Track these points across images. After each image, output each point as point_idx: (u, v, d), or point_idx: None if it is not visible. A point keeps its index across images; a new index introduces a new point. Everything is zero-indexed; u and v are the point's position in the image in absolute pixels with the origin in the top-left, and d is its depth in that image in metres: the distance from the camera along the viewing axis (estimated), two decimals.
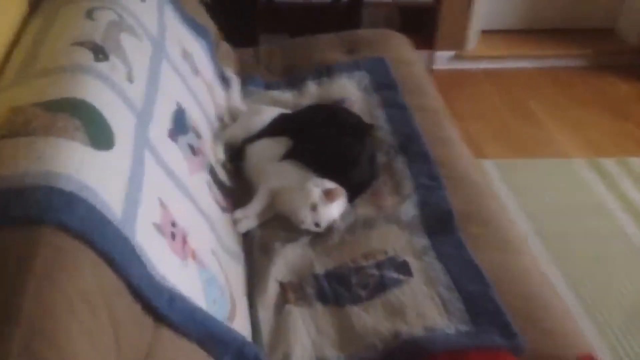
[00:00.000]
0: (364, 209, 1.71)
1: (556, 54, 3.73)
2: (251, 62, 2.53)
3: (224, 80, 2.23)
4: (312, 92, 2.22)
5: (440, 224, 1.62)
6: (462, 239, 1.56)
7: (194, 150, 1.56)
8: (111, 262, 0.96)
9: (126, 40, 1.45)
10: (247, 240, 1.66)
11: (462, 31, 3.63)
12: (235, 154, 1.86)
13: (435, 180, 1.77)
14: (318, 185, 1.65)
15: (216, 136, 1.85)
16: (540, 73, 3.71)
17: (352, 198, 1.73)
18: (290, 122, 1.89)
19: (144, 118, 1.33)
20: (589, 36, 3.80)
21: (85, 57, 1.29)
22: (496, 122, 3.28)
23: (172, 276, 1.12)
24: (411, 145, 1.92)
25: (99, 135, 1.11)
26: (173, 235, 1.20)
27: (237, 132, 1.89)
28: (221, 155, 1.80)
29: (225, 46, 2.50)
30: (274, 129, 1.88)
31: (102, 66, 1.29)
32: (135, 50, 1.47)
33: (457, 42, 3.67)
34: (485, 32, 3.75)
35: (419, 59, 2.53)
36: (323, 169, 1.73)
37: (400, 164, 1.85)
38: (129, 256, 0.98)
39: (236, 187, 1.80)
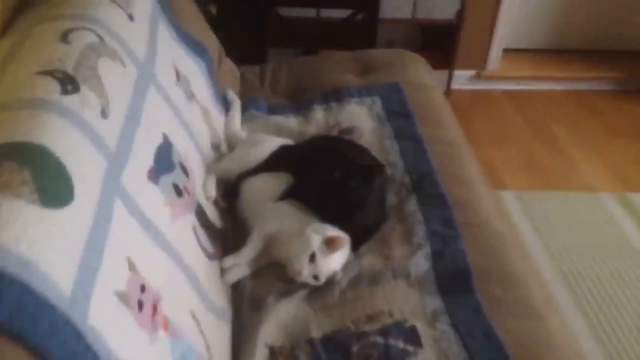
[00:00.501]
0: (369, 260, 1.53)
1: (585, 77, 3.53)
2: (255, 81, 2.36)
3: (224, 103, 2.06)
4: (318, 119, 2.05)
5: (455, 282, 1.43)
6: (480, 302, 1.37)
7: (179, 191, 1.39)
8: None
9: (105, 67, 1.28)
10: (236, 291, 1.49)
11: (484, 49, 3.45)
12: (230, 190, 1.69)
13: (451, 228, 1.58)
14: (318, 232, 1.47)
15: (209, 169, 1.68)
16: (566, 96, 3.51)
17: (356, 246, 1.56)
18: (292, 155, 1.72)
19: (117, 160, 1.16)
20: (622, 58, 3.59)
21: (51, 89, 1.12)
22: (517, 149, 3.09)
23: (138, 358, 0.95)
24: (425, 184, 1.73)
25: (53, 189, 0.94)
26: (140, 305, 1.03)
27: (233, 165, 1.72)
28: (212, 192, 1.62)
29: (228, 64, 2.34)
30: (274, 163, 1.71)
31: (70, 100, 1.12)
32: (116, 78, 1.31)
33: (478, 61, 3.49)
34: (509, 51, 3.56)
35: (437, 84, 2.34)
36: (326, 212, 1.55)
37: (412, 206, 1.67)
38: (73, 348, 0.81)
39: (228, 228, 1.63)
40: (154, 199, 1.27)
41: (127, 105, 1.30)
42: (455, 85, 3.45)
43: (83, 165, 1.04)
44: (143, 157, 1.29)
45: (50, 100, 1.09)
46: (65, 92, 1.13)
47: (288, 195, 1.61)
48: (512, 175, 2.89)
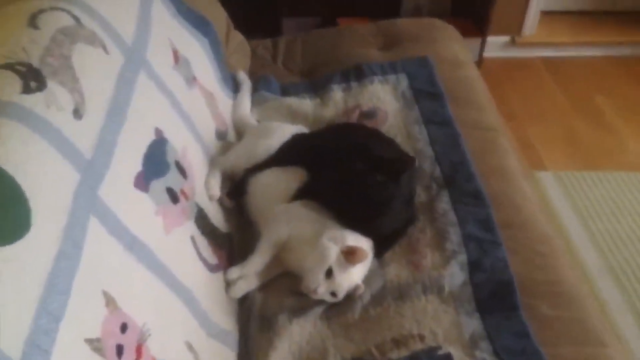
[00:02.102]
0: (395, 270, 1.34)
1: (631, 41, 3.23)
2: (267, 57, 2.15)
3: (233, 84, 1.87)
4: (337, 100, 1.85)
5: (496, 298, 1.25)
6: (527, 324, 1.18)
7: (174, 196, 1.22)
8: None
9: (81, 55, 1.10)
10: (243, 307, 1.32)
11: (519, 12, 3.18)
12: (236, 187, 1.51)
13: (490, 232, 1.39)
14: (336, 241, 1.29)
15: (213, 163, 1.50)
16: (611, 63, 3.23)
17: (380, 252, 1.37)
18: (307, 147, 1.53)
19: (94, 169, 0.98)
20: None
21: (9, 87, 0.94)
22: (557, 123, 2.85)
23: None
24: (459, 177, 1.53)
25: (2, 220, 0.77)
26: (120, 351, 0.86)
27: (240, 158, 1.54)
28: (216, 190, 1.45)
29: (237, 38, 2.14)
30: (285, 155, 1.52)
31: (33, 100, 0.94)
32: (95, 67, 1.13)
33: (513, 26, 3.22)
34: (547, 14, 3.28)
35: (470, 58, 2.11)
36: (345, 214, 1.37)
37: (444, 204, 1.47)
38: None
39: (235, 230, 1.46)
40: (142, 210, 1.10)
41: (108, 100, 1.12)
42: (487, 53, 3.19)
43: (46, 183, 0.87)
44: (129, 160, 1.11)
45: (6, 102, 0.91)
46: (27, 89, 0.95)
47: (302, 194, 1.43)
48: (551, 154, 2.66)
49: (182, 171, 1.30)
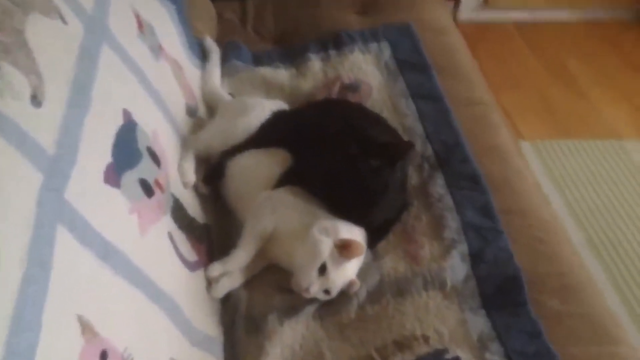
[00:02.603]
0: (392, 262, 1.25)
1: (605, 3, 3.16)
2: (235, 21, 1.99)
3: (200, 53, 1.71)
4: (315, 71, 1.72)
5: (502, 293, 1.17)
6: (538, 322, 1.11)
7: (147, 188, 1.08)
8: None
9: (36, 28, 0.93)
10: (227, 307, 1.20)
11: None
12: (213, 171, 1.37)
13: (490, 219, 1.31)
14: (328, 233, 1.18)
15: (185, 145, 1.36)
16: (585, 27, 3.15)
17: (373, 242, 1.28)
18: (291, 127, 1.40)
19: (59, 167, 0.84)
20: None
21: None
22: (531, 90, 2.78)
23: None
24: (453, 158, 1.44)
25: None
26: None
27: (215, 138, 1.40)
28: (191, 175, 1.32)
29: (201, 0, 1.96)
30: (267, 136, 1.39)
31: None
32: (52, 42, 0.96)
33: None
34: None
35: (452, 22, 2.00)
36: (336, 203, 1.26)
37: (439, 187, 1.38)
38: None
39: (213, 221, 1.33)
40: (114, 210, 0.96)
41: (70, 81, 0.97)
42: (459, 17, 3.08)
43: (4, 192, 0.72)
44: (97, 152, 0.97)
45: None
46: None
47: (287, 179, 1.31)
48: (526, 122, 2.60)
49: (154, 158, 1.16)
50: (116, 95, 1.11)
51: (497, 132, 1.54)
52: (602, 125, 2.61)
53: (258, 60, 1.78)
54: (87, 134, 0.94)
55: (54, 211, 0.79)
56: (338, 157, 1.24)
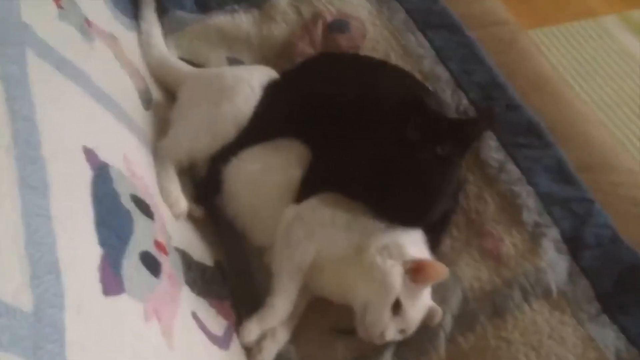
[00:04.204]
0: (469, 269, 0.99)
1: None
2: None
3: (128, 8, 1.29)
4: (284, 10, 1.36)
5: (622, 287, 0.95)
6: None
7: (154, 264, 0.75)
8: None
9: None
10: None
11: None
12: (206, 186, 1.03)
13: (571, 183, 1.07)
14: (392, 254, 0.91)
15: (159, 156, 1.01)
16: None
17: (435, 243, 1.01)
18: (297, 104, 1.05)
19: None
20: None
21: None
22: None
23: None
24: (496, 106, 1.16)
25: None
26: None
27: (196, 140, 1.04)
28: (182, 203, 0.98)
29: None
30: (268, 124, 1.05)
31: None
32: None
33: None
34: None
35: None
36: (386, 203, 0.97)
37: (492, 151, 1.11)
38: None
39: (222, 250, 1.02)
40: (129, 330, 0.64)
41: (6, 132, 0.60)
42: None
43: None
44: (81, 248, 0.62)
45: None
46: None
47: (312, 184, 0.99)
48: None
49: (144, 208, 0.81)
50: (67, 129, 0.74)
51: (537, 59, 1.26)
52: (576, 4, 2.40)
53: (204, 4, 1.39)
54: (60, 222, 0.59)
55: None
56: (387, 146, 0.93)
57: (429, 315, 0.93)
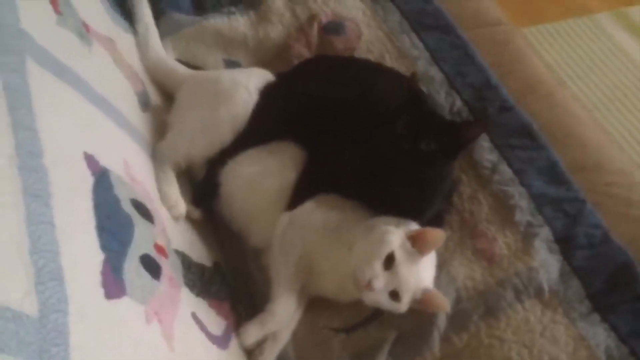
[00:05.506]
0: (464, 269, 1.02)
1: None
2: None
3: (124, 12, 1.31)
4: (280, 11, 1.39)
5: (612, 286, 0.98)
6: None
7: (154, 267, 0.77)
8: None
9: None
10: None
11: None
12: (204, 189, 1.06)
13: (563, 183, 1.09)
14: (398, 225, 0.93)
15: (157, 159, 1.03)
16: None
17: None
18: (293, 105, 1.07)
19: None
20: None
21: None
22: None
23: None
24: (490, 107, 1.19)
25: None
26: None
27: (194, 143, 1.07)
28: (181, 205, 1.00)
29: None
30: (264, 126, 1.07)
31: None
32: None
33: None
34: None
35: None
36: (380, 201, 0.99)
37: (486, 151, 1.14)
38: None
39: (219, 250, 1.04)
40: (131, 333, 0.66)
41: (9, 143, 0.62)
42: None
43: None
44: (83, 253, 0.64)
45: None
46: None
47: (306, 185, 1.02)
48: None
49: (144, 212, 0.83)
50: (68, 135, 0.76)
51: (530, 60, 1.29)
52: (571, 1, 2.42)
53: (200, 6, 1.41)
54: (63, 229, 0.61)
55: None
56: (382, 146, 0.95)
57: (434, 303, 0.93)
